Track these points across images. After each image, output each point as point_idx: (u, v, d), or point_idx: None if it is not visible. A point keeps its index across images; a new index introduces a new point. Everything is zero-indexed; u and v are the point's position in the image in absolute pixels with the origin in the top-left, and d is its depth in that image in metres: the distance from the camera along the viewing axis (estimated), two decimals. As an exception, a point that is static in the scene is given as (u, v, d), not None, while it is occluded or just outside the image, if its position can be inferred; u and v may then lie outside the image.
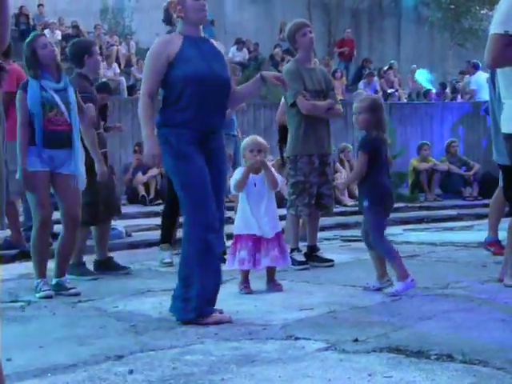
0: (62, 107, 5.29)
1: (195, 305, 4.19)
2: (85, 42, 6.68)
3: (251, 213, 5.26)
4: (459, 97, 17.84)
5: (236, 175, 5.33)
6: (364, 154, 5.08)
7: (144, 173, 11.69)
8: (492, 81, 5.13)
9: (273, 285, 5.34)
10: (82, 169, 5.40)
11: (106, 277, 6.11)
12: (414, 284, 4.93)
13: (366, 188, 5.14)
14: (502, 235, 6.93)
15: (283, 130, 7.32)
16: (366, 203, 5.09)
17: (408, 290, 4.89)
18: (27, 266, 5.72)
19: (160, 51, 4.31)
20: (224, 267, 5.32)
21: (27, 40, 5.47)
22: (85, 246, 6.29)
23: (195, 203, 4.24)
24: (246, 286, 5.28)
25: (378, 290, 5.06)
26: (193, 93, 4.25)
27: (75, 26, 19.50)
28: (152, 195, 11.60)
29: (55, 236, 5.60)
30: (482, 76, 16.23)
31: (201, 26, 4.45)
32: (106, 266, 6.32)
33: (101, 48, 18.99)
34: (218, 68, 4.36)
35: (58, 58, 5.46)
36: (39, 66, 5.33)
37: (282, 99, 7.68)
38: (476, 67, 16.77)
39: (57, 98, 5.29)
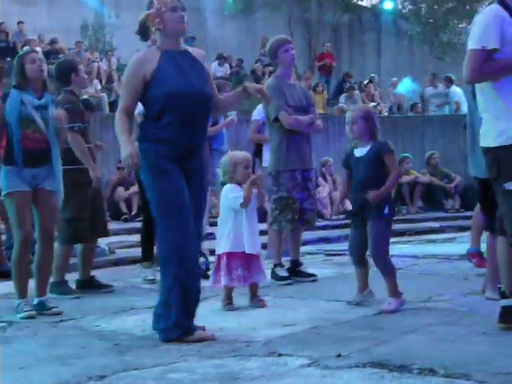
0: (41, 124, 5.28)
1: (176, 324, 4.17)
2: (70, 61, 6.74)
3: (244, 229, 5.25)
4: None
5: (234, 192, 5.26)
6: (393, 156, 5.07)
7: (126, 189, 11.67)
8: (473, 93, 5.13)
9: (256, 301, 5.33)
10: (61, 186, 5.40)
11: (88, 295, 6.08)
12: (405, 301, 4.94)
13: (386, 195, 5.02)
14: (485, 247, 7.00)
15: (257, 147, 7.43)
16: (387, 211, 4.97)
17: (402, 307, 4.88)
18: (8, 286, 5.68)
19: (136, 70, 4.26)
20: (209, 284, 5.32)
21: (19, 54, 5.58)
22: (67, 264, 6.27)
23: (169, 222, 4.19)
24: (228, 303, 5.27)
25: (359, 304, 5.06)
26: (173, 110, 4.21)
27: (54, 43, 19.48)
28: (134, 211, 11.57)
29: (33, 254, 5.58)
30: (457, 90, 16.36)
31: (181, 39, 4.36)
32: (89, 286, 6.28)
33: (82, 65, 19.02)
34: (198, 83, 4.30)
35: (45, 75, 5.43)
36: (25, 80, 5.33)
37: (253, 117, 7.78)
38: (450, 81, 16.82)
39: (35, 115, 5.27)
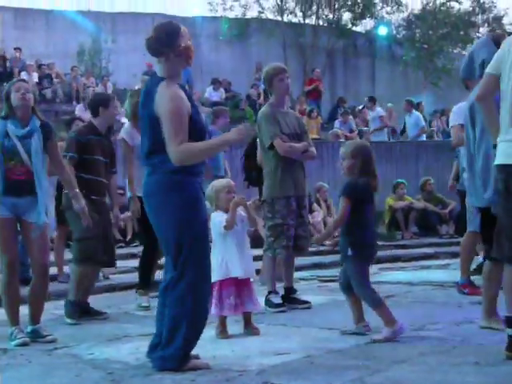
0: (24, 156, 5.24)
1: (176, 351, 4.17)
2: (102, 95, 7.16)
3: (241, 254, 5.28)
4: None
5: (217, 218, 5.30)
6: (345, 199, 4.97)
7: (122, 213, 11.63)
8: (471, 121, 5.10)
9: (250, 329, 5.34)
10: (48, 215, 5.39)
11: (83, 322, 6.08)
12: (403, 330, 4.87)
13: (349, 236, 5.01)
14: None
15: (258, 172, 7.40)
16: (349, 252, 4.97)
17: (396, 336, 4.83)
18: (2, 313, 5.67)
19: (184, 105, 4.20)
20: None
21: (10, 82, 5.60)
22: (83, 284, 6.29)
23: (200, 258, 4.22)
24: (222, 331, 5.28)
25: (355, 334, 5.06)
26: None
27: (52, 68, 19.59)
28: (129, 237, 11.56)
29: (28, 282, 5.59)
30: (417, 115, 16.47)
31: None
32: (82, 311, 6.29)
33: (77, 90, 19.12)
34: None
35: (30, 103, 5.39)
36: (10, 109, 5.34)
37: None
38: (412, 106, 16.85)
39: (18, 147, 5.24)
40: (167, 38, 4.25)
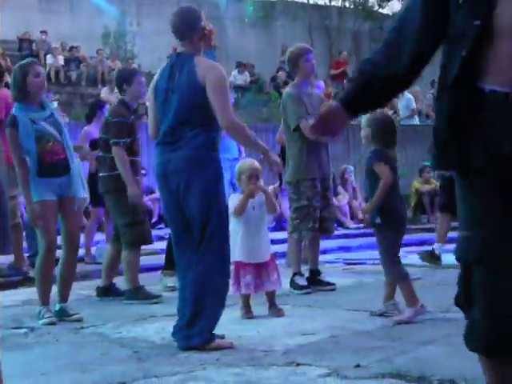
0: (57, 135, 5.30)
1: (200, 330, 4.20)
2: (125, 71, 7.05)
3: (251, 238, 5.27)
4: None
5: (232, 201, 5.30)
6: (379, 164, 4.91)
7: (150, 193, 11.58)
8: None
9: (275, 310, 5.34)
10: (81, 190, 5.49)
11: (109, 302, 6.13)
12: (424, 310, 4.87)
13: (384, 205, 4.92)
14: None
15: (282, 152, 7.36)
16: (378, 220, 4.92)
17: (417, 317, 4.82)
18: (31, 293, 5.74)
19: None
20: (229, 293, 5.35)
21: (21, 63, 5.46)
22: (138, 268, 6.31)
23: (225, 233, 4.32)
24: (247, 312, 5.29)
25: (382, 315, 5.03)
26: None
27: (76, 50, 19.66)
28: (155, 219, 11.60)
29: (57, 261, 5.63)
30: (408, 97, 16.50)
31: None
32: (109, 293, 6.35)
33: (103, 73, 19.17)
34: None
35: (45, 89, 5.48)
36: (25, 92, 5.30)
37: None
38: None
39: (49, 128, 5.28)
40: (191, 22, 4.38)
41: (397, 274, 4.95)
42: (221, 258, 4.27)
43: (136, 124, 6.42)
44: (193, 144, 4.24)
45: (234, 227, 5.29)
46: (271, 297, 5.39)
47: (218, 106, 4.21)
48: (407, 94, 16.55)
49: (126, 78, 6.37)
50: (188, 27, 4.36)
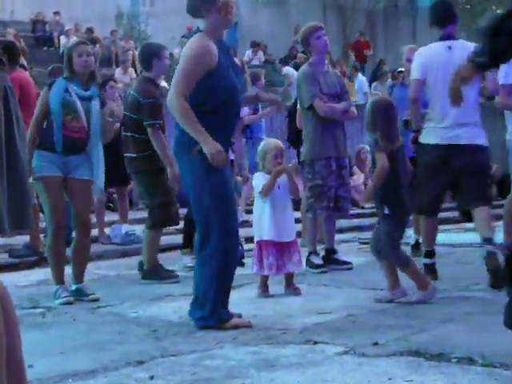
0: (82, 114, 5.30)
1: (212, 313, 4.20)
2: (153, 45, 6.73)
3: (276, 217, 5.23)
4: None
5: (258, 180, 5.29)
6: (380, 153, 4.80)
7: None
8: None
9: (291, 289, 5.33)
10: (97, 175, 5.43)
11: (125, 282, 6.15)
12: (432, 296, 4.77)
13: (385, 194, 4.85)
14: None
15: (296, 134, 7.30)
16: (386, 211, 4.85)
17: (428, 299, 4.76)
18: (47, 273, 5.75)
19: (202, 59, 4.16)
20: (244, 271, 5.36)
21: (68, 45, 5.65)
22: (158, 248, 6.30)
23: (223, 214, 4.20)
24: (264, 290, 5.28)
25: (390, 301, 4.86)
26: (231, 104, 4.25)
27: (90, 32, 19.64)
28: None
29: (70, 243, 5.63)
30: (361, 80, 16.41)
31: None
32: (155, 274, 6.20)
33: (117, 54, 19.16)
34: (237, 79, 4.38)
35: (92, 68, 5.44)
36: (71, 72, 5.37)
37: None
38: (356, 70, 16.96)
39: (78, 104, 5.30)
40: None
41: (399, 260, 4.84)
42: (224, 237, 4.19)
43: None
44: (180, 127, 4.23)
45: (260, 207, 5.28)
46: (290, 276, 5.38)
47: (173, 79, 4.19)
48: (360, 77, 16.49)
49: (156, 52, 6.20)
50: (201, 1, 4.25)
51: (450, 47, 5.57)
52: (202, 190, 4.19)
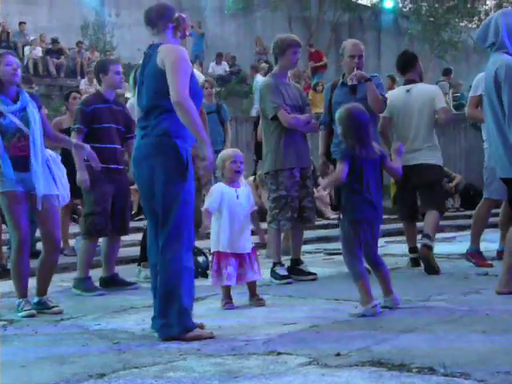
0: (25, 129, 5.20)
1: (177, 321, 4.19)
2: (101, 61, 7.14)
3: (233, 229, 5.24)
4: None
5: (216, 189, 5.31)
6: (341, 163, 4.79)
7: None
8: (499, 98, 5.10)
9: (255, 300, 5.34)
10: (62, 188, 5.40)
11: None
12: (376, 310, 4.69)
13: (340, 200, 5.00)
14: (484, 247, 7.01)
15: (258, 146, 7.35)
16: (340, 216, 4.96)
17: (368, 315, 4.67)
18: (10, 285, 5.69)
19: (189, 63, 4.34)
20: (209, 283, 5.35)
21: None
22: (90, 259, 6.39)
23: (190, 220, 4.26)
24: (228, 302, 5.28)
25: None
26: (197, 108, 4.31)
27: (55, 42, 19.51)
28: (134, 210, 11.52)
29: (38, 254, 5.58)
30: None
31: None
32: (112, 283, 6.39)
33: (82, 65, 19.05)
34: None
35: (18, 80, 5.33)
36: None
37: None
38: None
39: (17, 122, 5.20)
40: (161, 9, 4.45)
41: (352, 270, 4.82)
42: (186, 246, 4.24)
43: (108, 112, 6.36)
44: (155, 132, 4.25)
45: (214, 218, 5.27)
46: (253, 287, 5.38)
47: (170, 83, 4.19)
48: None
49: (101, 68, 6.46)
50: (157, 15, 4.41)
51: (408, 91, 6.80)
52: (172, 191, 4.20)
